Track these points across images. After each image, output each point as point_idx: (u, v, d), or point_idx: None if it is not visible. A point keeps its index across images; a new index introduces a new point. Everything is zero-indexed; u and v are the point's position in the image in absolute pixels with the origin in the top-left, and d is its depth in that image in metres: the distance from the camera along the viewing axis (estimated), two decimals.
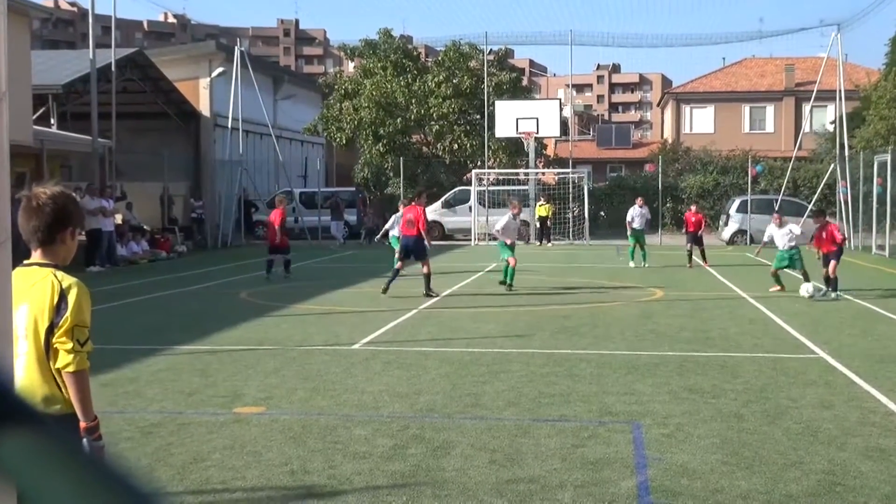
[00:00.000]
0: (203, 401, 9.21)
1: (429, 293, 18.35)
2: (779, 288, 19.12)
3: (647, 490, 6.41)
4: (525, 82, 58.19)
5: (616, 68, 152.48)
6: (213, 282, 22.29)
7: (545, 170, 45.83)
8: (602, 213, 45.57)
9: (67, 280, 4.26)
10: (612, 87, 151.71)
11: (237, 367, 10.99)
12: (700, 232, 25.89)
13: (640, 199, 27.49)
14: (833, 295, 18.09)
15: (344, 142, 47.22)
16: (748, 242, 36.35)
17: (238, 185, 38.51)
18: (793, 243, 18.74)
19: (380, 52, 47.42)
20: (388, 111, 45.73)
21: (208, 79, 40.00)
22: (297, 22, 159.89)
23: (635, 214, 26.25)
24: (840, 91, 37.04)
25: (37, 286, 4.20)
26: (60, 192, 4.31)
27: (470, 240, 38.10)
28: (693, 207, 26.88)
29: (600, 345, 12.73)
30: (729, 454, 7.25)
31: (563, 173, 43.14)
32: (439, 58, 48.24)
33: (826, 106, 52.47)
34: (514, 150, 45.70)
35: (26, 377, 4.22)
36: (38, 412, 0.97)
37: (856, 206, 33.98)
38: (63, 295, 4.21)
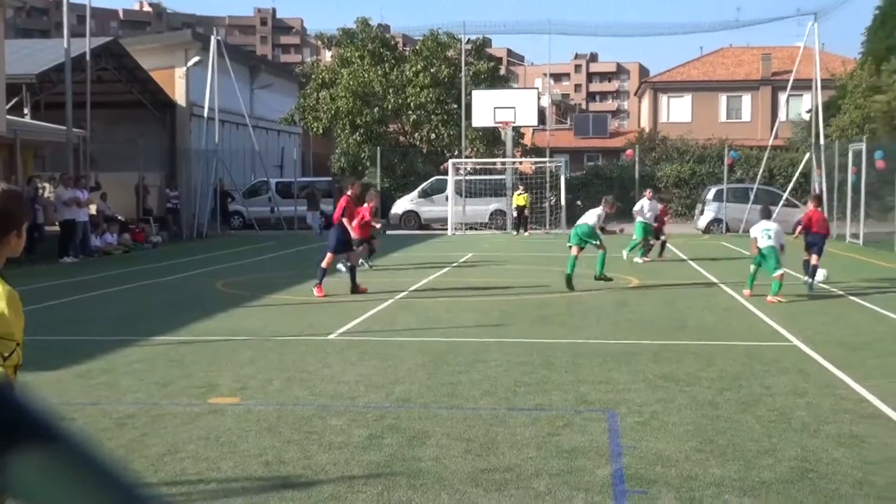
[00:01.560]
0: (178, 391, 9.17)
1: (318, 284, 17.08)
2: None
3: (622, 478, 6.43)
4: (503, 71, 58.21)
5: (594, 57, 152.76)
6: (188, 272, 22.19)
7: (522, 159, 45.87)
8: (579, 203, 45.54)
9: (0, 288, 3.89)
10: (590, 77, 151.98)
11: (212, 358, 10.95)
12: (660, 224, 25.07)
13: (649, 190, 25.77)
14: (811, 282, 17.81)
15: (321, 131, 47.12)
16: (724, 231, 36.53)
17: (214, 175, 38.35)
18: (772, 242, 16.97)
19: (357, 42, 47.32)
20: (366, 100, 45.65)
21: (184, 68, 39.76)
22: (273, 11, 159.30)
23: (646, 207, 24.25)
24: (816, 80, 37.23)
25: None
26: (4, 191, 3.95)
27: (446, 230, 38.10)
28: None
29: (576, 334, 12.76)
30: (703, 442, 7.29)
31: (540, 162, 43.20)
32: (417, 47, 48.19)
33: (802, 95, 52.76)
34: (491, 139, 45.75)
35: None
36: (55, 429, 0.95)
37: (831, 195, 34.17)
38: None
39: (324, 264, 17.32)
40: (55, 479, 0.86)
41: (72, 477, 0.87)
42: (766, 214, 17.76)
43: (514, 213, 38.76)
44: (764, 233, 16.77)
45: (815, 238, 17.98)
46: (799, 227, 18.80)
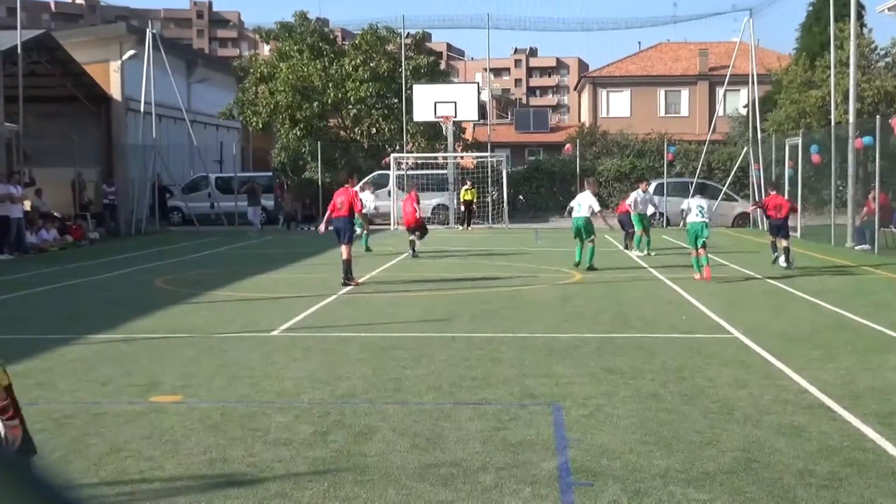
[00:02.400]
0: (119, 390, 9.02)
1: (346, 282, 17.67)
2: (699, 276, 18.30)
3: (568, 471, 6.45)
4: (443, 66, 58.23)
5: (533, 52, 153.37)
6: (127, 269, 21.87)
7: (464, 154, 45.91)
8: (521, 197, 45.83)
9: None
10: (530, 71, 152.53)
11: (153, 356, 10.79)
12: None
13: (644, 183, 25.64)
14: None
15: (260, 126, 46.68)
16: (665, 225, 36.88)
17: (152, 171, 37.84)
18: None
19: (296, 35, 46.95)
20: (305, 95, 45.34)
21: (119, 62, 39.19)
22: (210, 4, 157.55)
23: (639, 199, 24.36)
24: (752, 75, 37.76)
25: None
26: None
27: (389, 224, 38.01)
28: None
29: (520, 328, 12.79)
30: (647, 434, 7.34)
31: (481, 157, 43.28)
32: (356, 41, 47.94)
33: (739, 90, 53.53)
34: (432, 134, 45.70)
35: None
36: None
37: (768, 189, 34.67)
38: None
39: (346, 257, 17.79)
40: None
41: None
42: (700, 190, 19.29)
43: (462, 208, 38.77)
44: (697, 208, 18.48)
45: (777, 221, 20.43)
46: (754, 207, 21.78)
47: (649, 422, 7.71)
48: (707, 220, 18.34)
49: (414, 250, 24.42)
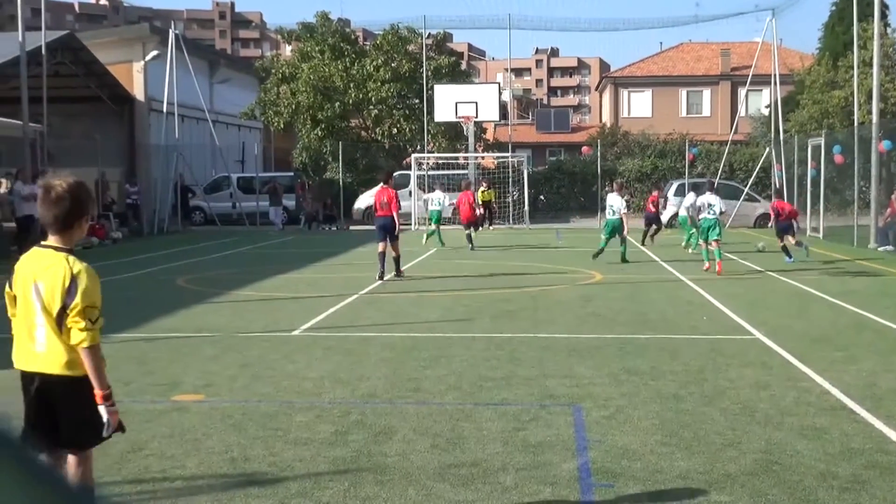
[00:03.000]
0: (141, 389, 9.07)
1: (399, 274, 18.89)
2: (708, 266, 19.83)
3: (589, 472, 6.45)
4: (464, 66, 58.19)
5: (555, 52, 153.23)
6: (149, 268, 21.99)
7: (484, 154, 45.87)
8: (541, 198, 45.78)
9: (78, 266, 4.77)
10: (551, 71, 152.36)
11: (175, 355, 10.85)
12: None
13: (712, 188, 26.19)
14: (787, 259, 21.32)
15: (282, 126, 46.78)
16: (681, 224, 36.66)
17: (174, 171, 38.01)
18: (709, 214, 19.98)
19: (317, 36, 47.03)
20: (327, 95, 45.42)
21: (142, 62, 39.39)
22: (232, 5, 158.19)
23: (696, 203, 23.40)
24: (775, 75, 37.56)
25: (50, 269, 4.75)
26: (76, 183, 4.89)
27: (410, 224, 38.02)
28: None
29: (541, 328, 12.78)
30: (668, 435, 7.33)
31: (502, 157, 43.21)
32: (377, 41, 47.96)
33: (761, 90, 53.25)
34: (453, 134, 45.67)
35: (49, 345, 4.79)
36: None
37: (790, 189, 34.52)
38: (73, 279, 4.72)
39: (395, 254, 18.91)
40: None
41: (14, 480, 0.85)
42: (710, 187, 21.31)
43: (479, 210, 38.64)
44: (708, 207, 19.94)
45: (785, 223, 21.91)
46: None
47: (670, 423, 7.69)
48: (717, 218, 19.76)
49: (472, 243, 26.61)
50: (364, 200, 41.10)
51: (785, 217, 21.98)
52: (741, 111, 48.65)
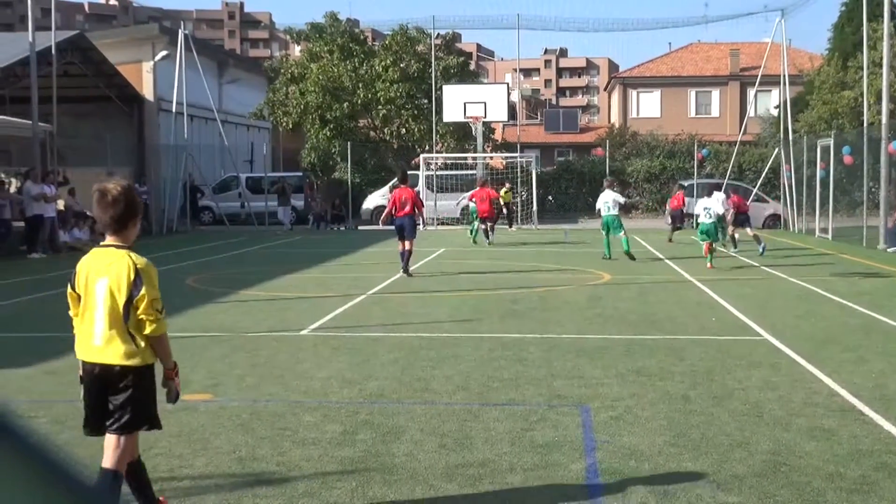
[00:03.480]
0: None
1: (406, 270, 19.10)
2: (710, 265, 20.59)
3: (597, 472, 6.44)
4: (473, 66, 58.21)
5: (563, 53, 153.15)
6: (158, 268, 21.93)
7: (493, 154, 45.85)
8: (550, 198, 45.75)
9: (141, 261, 5.27)
10: (560, 72, 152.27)
11: (184, 355, 10.82)
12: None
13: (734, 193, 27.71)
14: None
15: (290, 126, 46.85)
16: (694, 226, 36.64)
17: (183, 170, 38.09)
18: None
19: (326, 36, 47.09)
20: (335, 95, 45.47)
21: (151, 62, 39.45)
22: (241, 5, 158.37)
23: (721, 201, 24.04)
24: (784, 76, 37.47)
25: (114, 265, 5.20)
26: (128, 186, 5.31)
27: (420, 224, 37.98)
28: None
29: (548, 328, 12.77)
30: (676, 436, 7.32)
31: (511, 157, 43.19)
32: (386, 42, 48.01)
33: (770, 91, 53.17)
34: (461, 134, 45.68)
35: (108, 337, 5.21)
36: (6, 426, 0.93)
37: (800, 190, 34.45)
38: (139, 273, 5.20)
39: (409, 248, 19.30)
40: (6, 476, 0.83)
41: (22, 472, 0.85)
42: (709, 192, 22.63)
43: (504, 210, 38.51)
44: (705, 210, 20.79)
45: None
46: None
47: (678, 424, 7.68)
48: (713, 221, 20.69)
49: (490, 238, 28.35)
50: (372, 200, 41.10)
51: (741, 211, 24.92)
52: (750, 112, 48.50)
